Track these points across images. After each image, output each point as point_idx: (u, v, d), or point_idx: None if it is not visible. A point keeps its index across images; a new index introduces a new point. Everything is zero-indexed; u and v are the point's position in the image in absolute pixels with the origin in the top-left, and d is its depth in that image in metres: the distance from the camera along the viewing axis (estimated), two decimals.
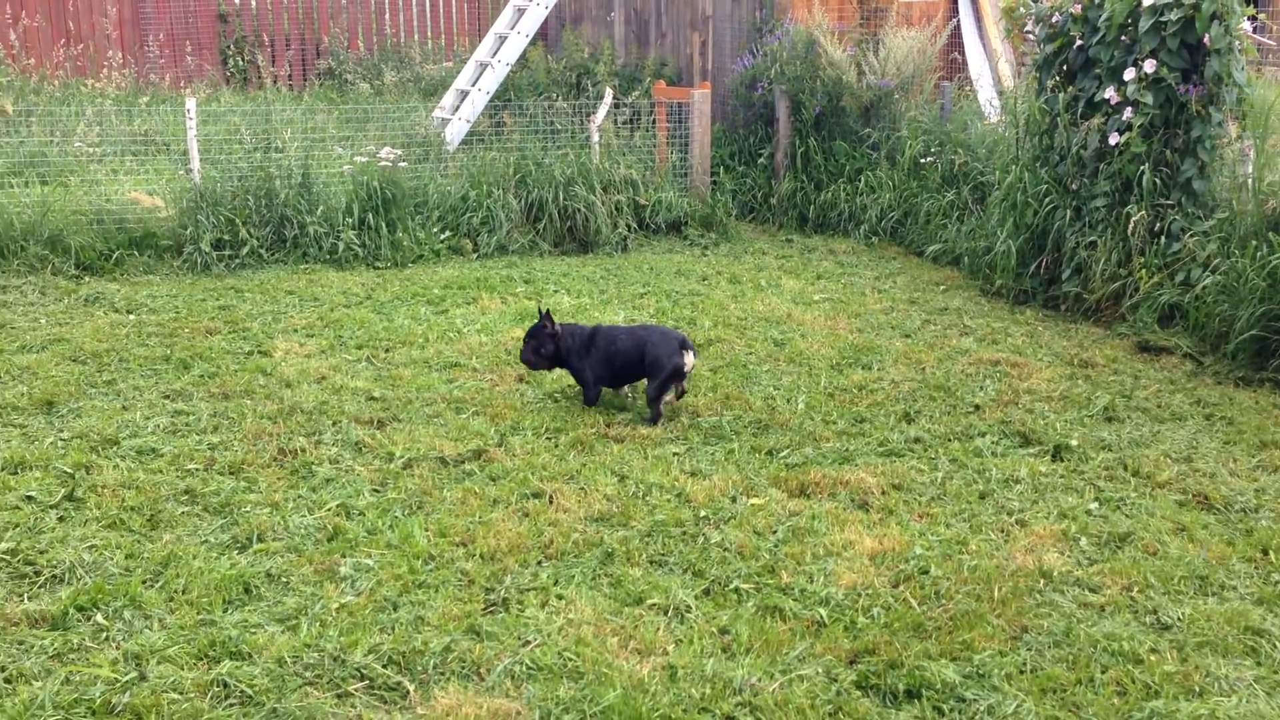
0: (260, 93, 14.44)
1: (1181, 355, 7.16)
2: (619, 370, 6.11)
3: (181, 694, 3.50)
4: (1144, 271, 7.62)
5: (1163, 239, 7.65)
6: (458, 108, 11.80)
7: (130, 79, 14.05)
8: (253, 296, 8.16)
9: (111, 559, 4.32)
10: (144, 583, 4.16)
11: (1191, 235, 7.51)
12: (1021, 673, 3.77)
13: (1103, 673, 3.77)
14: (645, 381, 6.05)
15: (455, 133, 11.42)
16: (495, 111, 11.79)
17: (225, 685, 3.55)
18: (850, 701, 3.60)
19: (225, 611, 4.00)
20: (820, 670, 3.76)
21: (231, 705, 3.48)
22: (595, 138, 10.57)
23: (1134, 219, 7.65)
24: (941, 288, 9.03)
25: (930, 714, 3.56)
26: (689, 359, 5.98)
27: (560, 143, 10.52)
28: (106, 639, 3.82)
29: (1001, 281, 8.67)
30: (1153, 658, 3.85)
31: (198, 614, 3.97)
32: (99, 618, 3.93)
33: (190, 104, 9.20)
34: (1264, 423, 6.08)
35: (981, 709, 3.57)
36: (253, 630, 3.87)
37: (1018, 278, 8.58)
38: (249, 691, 3.52)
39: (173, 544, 4.47)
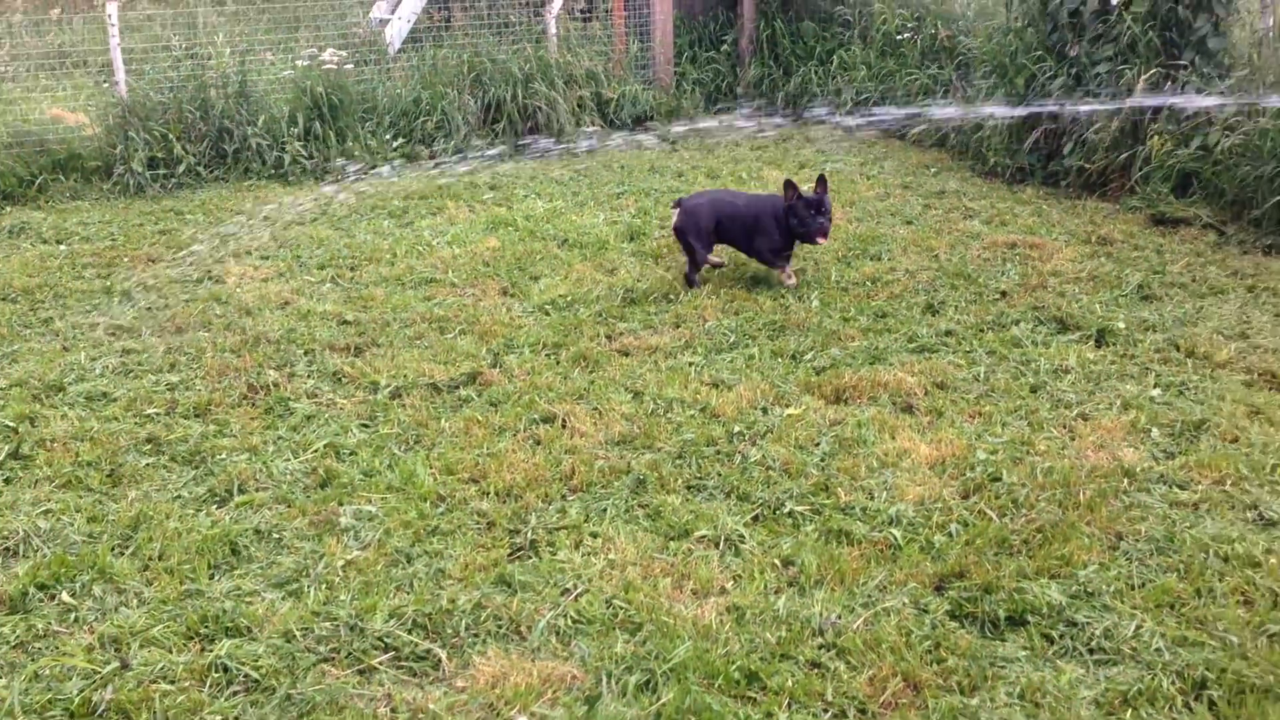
0: None
1: (1201, 226, 6.71)
2: None
3: (174, 683, 2.96)
4: (1156, 138, 7.13)
5: None
6: (396, 6, 10.95)
7: None
8: (195, 218, 7.44)
9: (71, 524, 3.74)
10: (113, 550, 3.59)
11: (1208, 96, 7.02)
12: (1131, 588, 3.33)
13: (1220, 580, 3.34)
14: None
15: (396, 33, 10.59)
16: (440, 6, 10.96)
17: (226, 669, 3.00)
18: (949, 635, 3.13)
19: (212, 578, 3.45)
20: (907, 601, 3.30)
21: (236, 693, 2.94)
22: (552, 29, 9.83)
23: (1142, 80, 7.13)
24: (932, 170, 8.50)
25: (1040, 643, 3.11)
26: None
27: (515, 37, 9.77)
28: (76, 621, 3.25)
29: (996, 159, 8.16)
30: (1271, 560, 3.42)
31: (180, 583, 3.40)
32: (65, 596, 3.36)
33: (112, 8, 8.33)
34: None
35: (1097, 633, 3.12)
36: (248, 599, 3.32)
37: (1014, 154, 8.07)
38: (255, 675, 2.98)
39: (140, 502, 3.88)
